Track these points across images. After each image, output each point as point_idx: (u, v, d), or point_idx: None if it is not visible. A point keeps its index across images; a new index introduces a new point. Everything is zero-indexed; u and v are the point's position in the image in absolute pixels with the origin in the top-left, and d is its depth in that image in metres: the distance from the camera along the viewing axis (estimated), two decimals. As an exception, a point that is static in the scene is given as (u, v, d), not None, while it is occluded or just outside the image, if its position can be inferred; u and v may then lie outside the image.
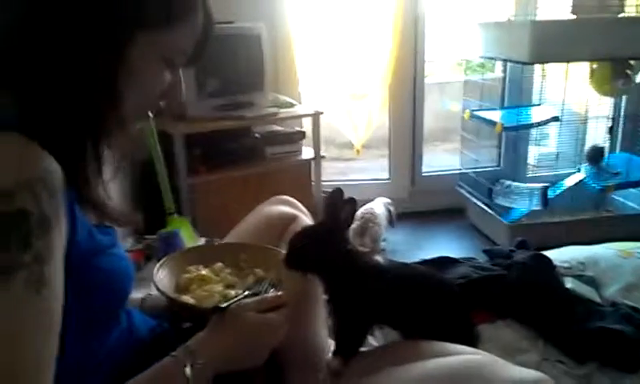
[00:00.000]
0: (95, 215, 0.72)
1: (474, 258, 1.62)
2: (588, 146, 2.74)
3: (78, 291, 0.64)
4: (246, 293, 0.87)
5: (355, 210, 0.95)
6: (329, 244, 0.92)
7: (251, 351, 0.78)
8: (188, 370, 0.69)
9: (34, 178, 0.56)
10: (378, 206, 2.57)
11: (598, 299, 1.40)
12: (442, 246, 2.63)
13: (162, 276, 0.92)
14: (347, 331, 0.97)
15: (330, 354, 1.00)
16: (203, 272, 0.96)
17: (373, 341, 1.27)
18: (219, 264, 0.99)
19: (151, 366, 0.70)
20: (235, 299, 0.84)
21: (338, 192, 0.94)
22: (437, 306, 1.00)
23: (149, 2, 0.65)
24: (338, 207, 0.93)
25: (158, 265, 0.93)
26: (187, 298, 0.90)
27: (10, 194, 0.55)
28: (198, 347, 0.73)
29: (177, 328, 0.91)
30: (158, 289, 0.88)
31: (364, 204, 2.58)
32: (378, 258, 1.00)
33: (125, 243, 1.94)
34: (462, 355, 0.92)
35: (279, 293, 0.88)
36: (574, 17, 2.38)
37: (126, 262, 0.76)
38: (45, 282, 0.56)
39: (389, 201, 2.64)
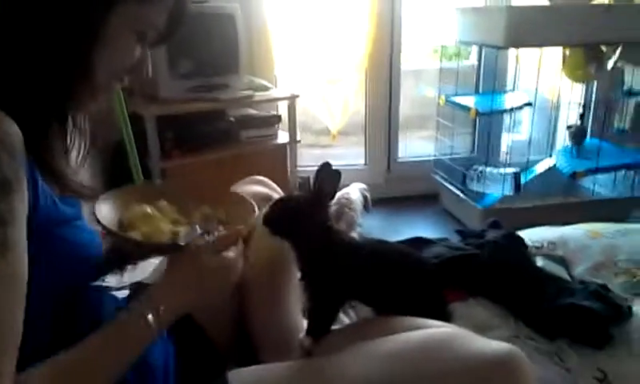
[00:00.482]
0: (56, 185, 0.70)
1: (447, 239, 1.63)
2: (561, 130, 2.79)
3: (41, 260, 0.62)
4: (199, 231, 0.83)
5: (338, 184, 0.94)
6: (310, 215, 0.92)
7: (211, 293, 0.77)
8: (150, 317, 0.67)
9: None
10: (354, 192, 2.56)
11: (567, 277, 1.42)
12: (417, 230, 2.61)
13: (104, 213, 0.82)
14: (320, 308, 0.97)
15: (303, 334, 1.00)
16: (148, 209, 0.88)
17: (346, 319, 1.27)
18: (163, 202, 0.91)
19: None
20: (193, 235, 0.81)
21: (326, 165, 0.93)
22: (411, 282, 0.99)
23: None
24: (324, 181, 0.92)
25: (98, 201, 0.83)
26: (136, 234, 0.83)
27: None
28: (156, 293, 0.71)
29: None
30: (105, 227, 0.80)
31: (339, 189, 2.57)
32: (355, 235, 0.99)
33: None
34: (432, 329, 0.92)
35: (231, 230, 0.84)
36: (549, 3, 2.40)
37: (91, 234, 0.74)
38: (9, 245, 0.55)
39: (364, 186, 2.63)
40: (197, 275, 0.74)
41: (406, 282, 0.99)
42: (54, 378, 0.60)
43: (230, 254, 0.77)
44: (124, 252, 0.91)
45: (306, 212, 0.92)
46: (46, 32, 0.62)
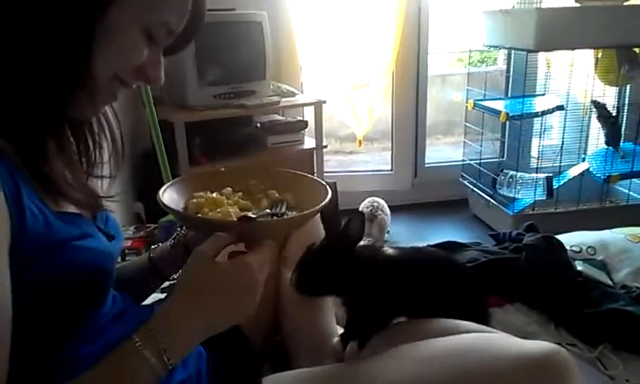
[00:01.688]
0: (52, 198, 0.64)
1: (480, 243, 1.60)
2: (593, 134, 2.72)
3: (33, 288, 0.58)
4: (268, 211, 0.80)
5: (364, 223, 0.90)
6: (339, 263, 0.88)
7: (230, 305, 0.65)
8: (154, 360, 0.58)
9: None
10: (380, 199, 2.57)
11: (609, 282, 1.38)
12: (446, 236, 2.54)
13: (167, 200, 0.80)
14: (361, 328, 0.94)
15: (337, 339, 0.98)
16: (213, 195, 0.86)
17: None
18: (228, 189, 0.89)
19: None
20: (264, 212, 0.78)
21: (356, 215, 0.89)
22: (454, 289, 0.97)
23: None
24: (353, 229, 0.88)
25: (161, 190, 0.82)
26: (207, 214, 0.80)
27: None
28: (161, 325, 0.60)
29: None
30: (170, 208, 0.78)
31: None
32: (388, 249, 0.96)
33: (126, 232, 1.91)
34: (473, 332, 0.89)
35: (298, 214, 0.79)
36: (579, 5, 2.36)
37: (95, 256, 0.67)
38: None
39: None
40: (206, 288, 0.64)
41: (449, 290, 0.96)
42: None
43: (249, 256, 0.68)
44: (189, 243, 0.89)
45: (335, 263, 0.88)
46: (38, 28, 0.57)
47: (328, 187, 0.85)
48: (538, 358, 0.74)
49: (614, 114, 2.57)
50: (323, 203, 0.79)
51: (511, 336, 0.84)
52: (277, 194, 0.88)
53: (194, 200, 0.85)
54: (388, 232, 2.53)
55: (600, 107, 2.54)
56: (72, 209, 0.67)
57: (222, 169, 0.99)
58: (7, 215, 0.54)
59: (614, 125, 2.55)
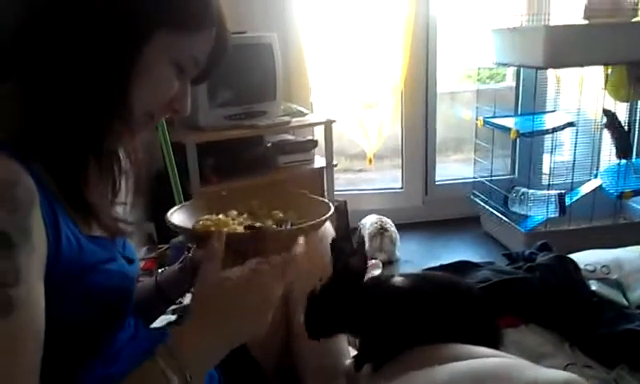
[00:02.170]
0: (92, 222, 0.68)
1: (493, 262, 1.59)
2: (605, 150, 2.70)
3: (63, 310, 0.60)
4: (275, 226, 0.82)
5: (366, 257, 0.91)
6: (347, 300, 0.88)
7: (247, 319, 0.65)
8: (175, 378, 0.58)
9: None
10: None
11: (624, 302, 1.36)
12: (457, 255, 2.55)
13: (175, 221, 0.83)
14: (377, 355, 0.93)
15: (349, 361, 0.97)
16: (220, 216, 0.88)
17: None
18: (233, 211, 0.90)
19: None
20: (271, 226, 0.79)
21: (355, 251, 0.92)
22: (464, 313, 0.97)
23: (169, 2, 0.64)
24: (345, 255, 0.89)
25: (169, 212, 0.84)
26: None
27: None
28: (180, 344, 0.61)
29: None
30: (179, 227, 0.80)
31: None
32: (394, 280, 0.96)
33: (138, 252, 1.93)
34: (488, 358, 0.89)
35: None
36: (587, 22, 2.36)
37: (120, 279, 0.70)
38: (14, 305, 0.52)
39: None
40: (228, 298, 0.65)
41: (459, 315, 0.96)
42: None
43: (262, 265, 0.68)
44: (197, 266, 0.91)
45: (341, 303, 0.87)
46: (81, 65, 0.60)
47: (330, 204, 0.87)
48: None
49: (624, 124, 2.56)
50: (328, 214, 0.82)
51: (527, 363, 0.84)
52: (280, 214, 0.90)
53: (201, 222, 0.86)
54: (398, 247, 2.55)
55: (610, 116, 2.52)
56: (98, 232, 0.69)
57: (224, 193, 1.01)
58: (45, 241, 0.56)
59: (622, 134, 2.52)
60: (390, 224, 2.55)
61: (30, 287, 0.54)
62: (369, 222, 2.60)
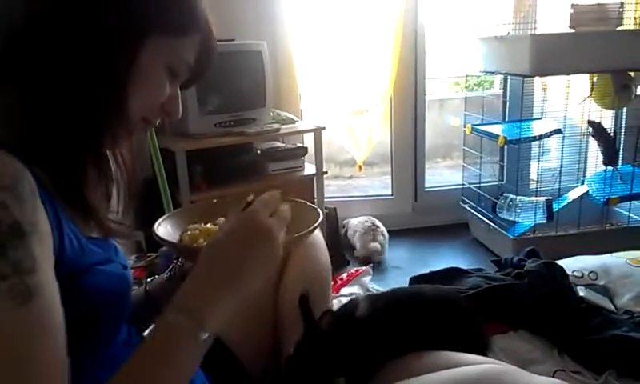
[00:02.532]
0: (92, 224, 0.68)
1: (482, 269, 1.60)
2: (592, 157, 2.74)
3: (65, 309, 0.59)
4: None
5: (333, 317, 0.95)
6: (323, 354, 0.91)
7: (255, 265, 0.64)
8: (202, 335, 0.58)
9: None
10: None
11: (612, 308, 1.37)
12: (447, 261, 2.58)
13: (162, 232, 0.82)
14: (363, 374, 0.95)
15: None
16: (208, 226, 0.87)
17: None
18: (222, 219, 0.88)
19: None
20: None
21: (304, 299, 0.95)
22: (449, 326, 0.97)
23: (164, 7, 0.65)
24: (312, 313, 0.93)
25: (156, 224, 0.83)
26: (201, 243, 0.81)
27: None
28: (188, 294, 0.61)
29: None
30: (165, 241, 0.80)
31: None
32: (359, 311, 0.98)
33: (127, 261, 1.91)
34: (479, 365, 0.90)
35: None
36: (573, 31, 2.39)
37: (120, 280, 0.70)
38: (33, 292, 0.52)
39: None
40: (235, 245, 0.64)
41: (442, 325, 0.97)
42: None
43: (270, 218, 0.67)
44: (186, 275, 0.90)
45: (318, 355, 0.91)
46: (78, 68, 0.61)
47: (319, 210, 0.87)
48: None
49: (609, 131, 2.59)
50: (316, 224, 0.82)
51: (519, 370, 0.85)
52: None
53: (189, 232, 0.85)
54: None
55: (595, 126, 2.56)
56: (95, 234, 0.70)
57: (215, 200, 0.99)
58: (51, 236, 0.57)
59: (609, 142, 2.56)
60: (378, 222, 2.65)
61: (46, 276, 0.54)
62: (356, 221, 2.67)
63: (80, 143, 0.63)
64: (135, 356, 0.58)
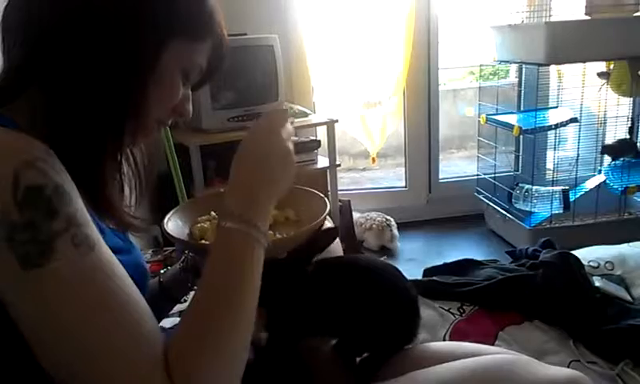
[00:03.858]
0: (112, 219, 0.70)
1: (497, 260, 1.59)
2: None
3: None
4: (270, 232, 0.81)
5: (337, 233, 0.89)
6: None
7: (282, 174, 0.72)
8: (263, 240, 0.64)
9: (32, 158, 0.54)
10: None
11: (628, 298, 1.36)
12: (462, 252, 2.57)
13: (172, 228, 0.83)
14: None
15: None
16: (215, 221, 0.86)
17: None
18: None
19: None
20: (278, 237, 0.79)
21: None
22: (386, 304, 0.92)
23: (186, 12, 0.67)
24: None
25: (165, 219, 0.85)
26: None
27: (13, 177, 0.52)
28: (237, 199, 0.66)
29: None
30: (175, 238, 0.81)
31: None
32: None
33: (144, 255, 1.94)
34: (493, 355, 0.90)
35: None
36: (589, 17, 2.36)
37: (139, 270, 0.71)
38: (93, 240, 0.55)
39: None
40: (265, 152, 0.71)
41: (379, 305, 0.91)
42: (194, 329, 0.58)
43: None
44: (199, 264, 0.90)
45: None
46: (102, 68, 0.62)
47: (327, 200, 0.87)
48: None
49: (629, 126, 2.55)
50: (323, 216, 0.82)
51: (532, 360, 0.86)
52: (275, 212, 0.88)
53: (199, 225, 0.86)
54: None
55: (609, 148, 2.54)
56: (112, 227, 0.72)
57: (222, 190, 1.00)
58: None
59: (622, 144, 2.52)
60: (388, 223, 2.67)
61: (95, 229, 0.57)
62: (370, 217, 2.68)
63: (101, 142, 0.65)
64: (206, 269, 0.62)
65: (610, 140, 2.71)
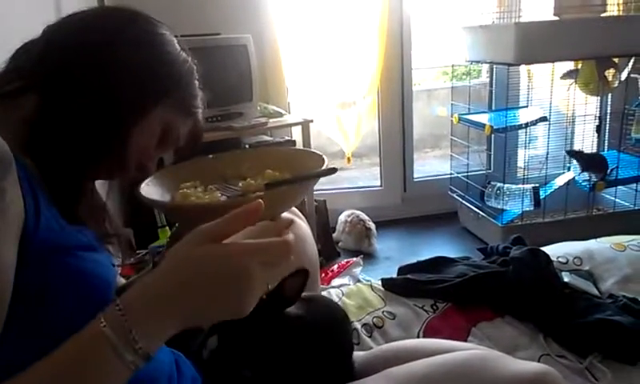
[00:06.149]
0: (93, 228, 0.71)
1: (469, 257, 1.61)
2: (578, 144, 2.77)
3: (38, 289, 0.57)
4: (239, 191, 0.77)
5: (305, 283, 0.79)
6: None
7: (216, 301, 0.54)
8: (129, 356, 0.50)
9: None
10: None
11: (596, 292, 1.39)
12: (436, 250, 2.61)
13: (149, 193, 0.75)
14: None
15: None
16: (199, 190, 0.80)
17: (372, 344, 1.26)
18: (217, 193, 0.80)
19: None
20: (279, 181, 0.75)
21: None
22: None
23: (178, 80, 0.74)
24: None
25: (143, 183, 0.76)
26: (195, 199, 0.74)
27: None
28: (132, 306, 0.52)
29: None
30: (153, 201, 0.74)
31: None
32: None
33: (116, 258, 1.91)
34: (464, 351, 0.91)
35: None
36: (557, 18, 2.41)
37: (103, 268, 0.66)
38: None
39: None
40: (200, 269, 0.53)
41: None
42: None
43: (268, 240, 0.57)
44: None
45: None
46: (96, 107, 0.66)
47: (323, 155, 0.83)
48: (533, 378, 0.80)
49: (597, 124, 2.62)
50: (325, 165, 0.79)
51: (504, 355, 0.88)
52: (276, 173, 0.83)
53: (181, 191, 0.80)
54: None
55: (576, 155, 2.59)
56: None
57: (211, 156, 0.93)
58: (23, 207, 0.56)
59: (594, 159, 2.58)
60: (363, 215, 2.70)
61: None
62: (350, 221, 2.69)
63: (79, 166, 0.68)
64: (52, 355, 0.51)
65: (578, 138, 2.77)
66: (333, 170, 0.79)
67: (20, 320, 0.55)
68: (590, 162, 2.56)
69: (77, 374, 0.51)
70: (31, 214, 0.57)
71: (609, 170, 2.53)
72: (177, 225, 0.91)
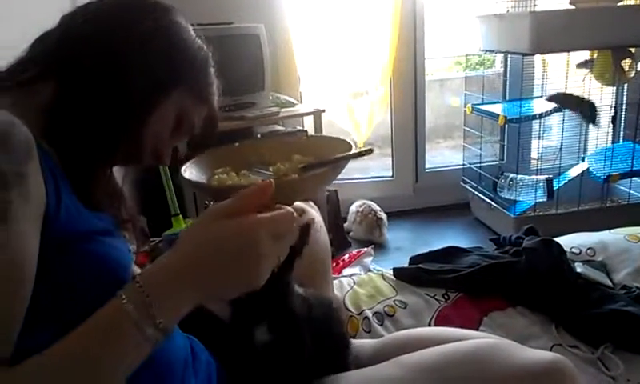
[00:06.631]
0: (107, 206, 0.73)
1: (481, 247, 1.61)
2: (592, 134, 2.73)
3: (58, 275, 0.58)
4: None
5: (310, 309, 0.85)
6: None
7: (230, 274, 0.57)
8: (149, 330, 0.52)
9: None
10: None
11: (609, 283, 1.39)
12: (448, 241, 2.56)
13: (190, 176, 0.82)
14: None
15: None
16: (232, 172, 0.86)
17: (383, 332, 1.26)
18: (249, 176, 0.85)
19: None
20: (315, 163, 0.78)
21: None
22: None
23: (190, 68, 0.75)
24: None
25: (183, 168, 0.82)
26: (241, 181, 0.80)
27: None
28: (152, 283, 0.54)
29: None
30: (197, 184, 0.81)
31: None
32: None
33: (130, 246, 1.93)
34: (475, 339, 0.92)
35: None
36: (573, 7, 2.38)
37: (120, 253, 0.67)
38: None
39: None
40: (214, 244, 0.56)
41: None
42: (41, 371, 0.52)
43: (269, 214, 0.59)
44: None
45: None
46: (114, 92, 0.67)
47: (349, 140, 0.86)
48: (545, 366, 0.80)
49: (612, 115, 2.58)
50: (354, 149, 0.81)
51: (516, 344, 0.88)
52: (299, 157, 0.87)
53: (216, 176, 0.86)
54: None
55: (558, 98, 2.51)
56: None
57: (237, 144, 0.98)
58: (44, 193, 0.57)
59: (583, 102, 2.51)
60: (374, 205, 2.70)
61: (18, 233, 0.53)
62: (362, 212, 2.70)
63: (96, 152, 0.69)
64: (77, 329, 0.53)
65: (593, 129, 2.74)
66: (369, 151, 0.83)
67: (40, 304, 0.56)
68: (564, 100, 2.50)
69: (99, 347, 0.52)
70: (52, 200, 0.58)
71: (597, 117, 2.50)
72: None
